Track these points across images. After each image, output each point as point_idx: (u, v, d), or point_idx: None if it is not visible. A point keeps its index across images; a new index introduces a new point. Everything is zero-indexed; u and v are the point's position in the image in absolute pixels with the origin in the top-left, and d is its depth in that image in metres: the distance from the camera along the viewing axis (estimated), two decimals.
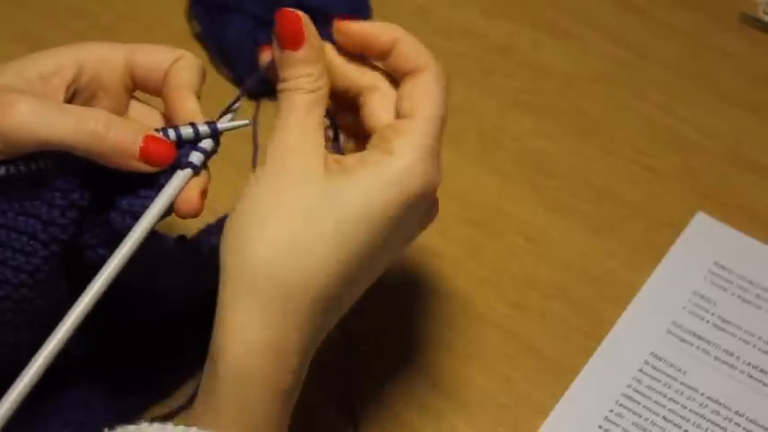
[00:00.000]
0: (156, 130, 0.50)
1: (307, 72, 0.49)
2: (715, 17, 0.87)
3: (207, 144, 0.51)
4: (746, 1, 0.87)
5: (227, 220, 0.48)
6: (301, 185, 0.46)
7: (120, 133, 0.48)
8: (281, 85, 0.50)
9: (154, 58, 0.52)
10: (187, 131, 0.50)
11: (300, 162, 0.47)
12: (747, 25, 0.87)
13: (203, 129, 0.51)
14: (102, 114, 0.48)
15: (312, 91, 0.49)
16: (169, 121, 0.52)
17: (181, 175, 0.50)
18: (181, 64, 0.52)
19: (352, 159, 0.48)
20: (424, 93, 0.49)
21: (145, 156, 0.49)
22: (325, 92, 0.50)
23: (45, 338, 0.46)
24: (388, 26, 0.52)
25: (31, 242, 0.49)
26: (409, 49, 0.51)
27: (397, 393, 0.66)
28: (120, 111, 0.54)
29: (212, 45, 0.82)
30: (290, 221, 0.46)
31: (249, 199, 0.47)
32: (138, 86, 0.53)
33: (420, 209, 0.50)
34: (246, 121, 0.53)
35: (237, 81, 0.80)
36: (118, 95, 0.53)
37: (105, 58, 0.52)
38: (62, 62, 0.50)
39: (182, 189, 0.49)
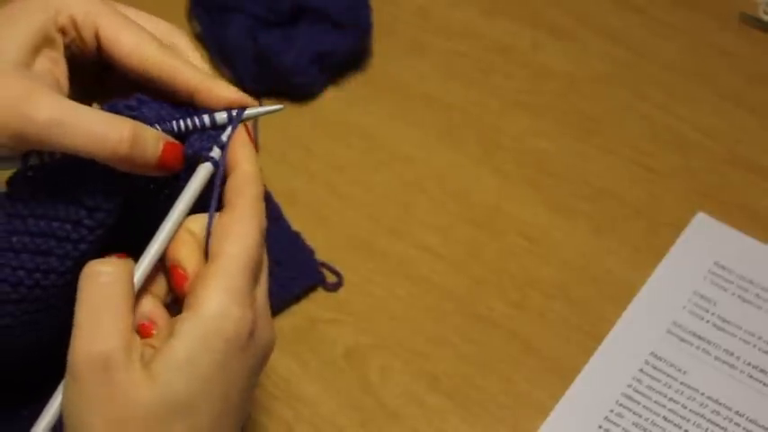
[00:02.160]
0: (190, 115, 0.50)
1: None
2: (715, 17, 0.87)
3: (226, 137, 0.50)
4: (746, 1, 0.87)
5: None
6: (133, 398, 0.43)
7: (142, 151, 0.47)
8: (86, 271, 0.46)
9: (122, 44, 0.50)
10: (222, 117, 0.50)
11: (124, 375, 0.43)
12: (747, 25, 0.87)
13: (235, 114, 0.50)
14: (126, 130, 0.46)
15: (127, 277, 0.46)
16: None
17: (206, 169, 0.49)
18: (176, 61, 0.51)
19: (163, 336, 0.46)
20: (229, 231, 0.47)
21: (161, 165, 0.48)
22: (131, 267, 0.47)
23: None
24: (245, 150, 0.50)
25: (78, 229, 0.48)
26: (239, 180, 0.49)
27: (397, 393, 0.66)
28: (96, 69, 0.52)
29: (212, 45, 0.82)
30: None
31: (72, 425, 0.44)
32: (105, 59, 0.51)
33: (243, 348, 0.46)
34: (281, 106, 0.53)
35: (237, 81, 0.80)
36: (94, 59, 0.51)
37: (79, 27, 0.50)
38: (47, 31, 0.48)
39: (206, 182, 0.49)
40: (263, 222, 0.49)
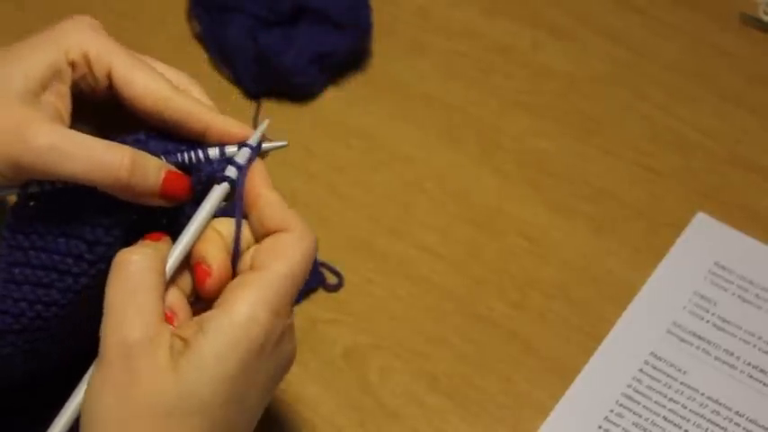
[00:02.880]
0: (196, 148, 0.50)
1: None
2: (715, 17, 0.87)
3: (242, 159, 0.50)
4: (746, 1, 0.87)
5: None
6: (153, 387, 0.44)
7: (142, 178, 0.47)
8: (119, 258, 0.46)
9: (133, 85, 0.50)
10: (231, 150, 0.50)
11: (148, 365, 0.44)
12: (747, 25, 0.87)
13: (245, 150, 0.50)
14: (126, 157, 0.46)
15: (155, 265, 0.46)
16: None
17: (219, 190, 0.49)
18: (187, 101, 0.51)
19: (191, 329, 0.46)
20: (280, 249, 0.48)
21: (163, 194, 0.48)
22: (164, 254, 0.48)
23: (87, 342, 0.46)
24: (265, 178, 0.50)
25: (79, 263, 0.48)
26: (277, 204, 0.49)
27: (396, 393, 0.66)
28: (108, 106, 0.52)
29: (212, 45, 0.82)
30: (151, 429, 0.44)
31: (96, 413, 0.44)
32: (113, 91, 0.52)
33: (268, 356, 0.47)
34: (285, 143, 0.53)
35: (237, 81, 0.80)
36: (104, 97, 0.52)
37: (91, 62, 0.50)
38: (56, 65, 0.49)
39: (219, 202, 0.49)
40: (314, 250, 0.49)
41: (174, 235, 0.49)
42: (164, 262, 0.47)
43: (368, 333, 0.68)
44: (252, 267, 0.48)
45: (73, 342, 0.51)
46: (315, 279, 0.70)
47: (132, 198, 0.47)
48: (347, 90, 0.82)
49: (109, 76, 0.50)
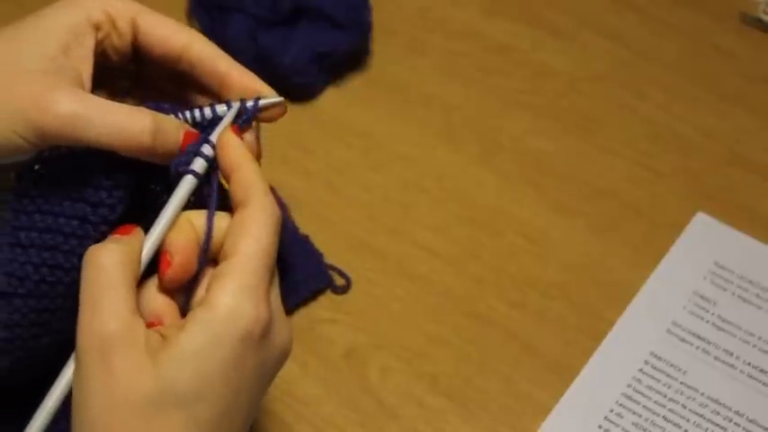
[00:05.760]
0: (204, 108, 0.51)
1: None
2: (715, 17, 0.87)
3: (208, 151, 0.50)
4: (746, 1, 0.87)
5: None
6: (129, 381, 0.43)
7: (164, 139, 0.47)
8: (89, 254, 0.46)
9: (159, 30, 0.52)
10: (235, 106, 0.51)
11: (123, 359, 0.44)
12: (747, 25, 0.87)
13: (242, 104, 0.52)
14: (147, 119, 0.47)
15: (126, 256, 0.46)
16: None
17: (188, 181, 0.49)
18: (210, 48, 0.52)
19: (174, 327, 0.45)
20: (245, 229, 0.47)
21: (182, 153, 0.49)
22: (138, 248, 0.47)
23: None
24: (239, 151, 0.50)
25: (84, 225, 0.48)
26: (244, 179, 0.49)
27: (396, 393, 0.66)
28: (127, 67, 0.53)
29: None
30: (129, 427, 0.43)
31: (81, 408, 0.44)
32: (139, 49, 0.53)
33: (256, 347, 0.46)
34: (281, 99, 0.55)
35: None
36: (126, 55, 0.53)
37: (115, 18, 0.51)
38: (78, 28, 0.49)
39: (188, 195, 0.49)
40: (278, 219, 0.48)
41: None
42: (134, 255, 0.46)
43: (368, 333, 0.68)
44: (225, 256, 0.47)
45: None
46: (322, 280, 0.70)
47: (152, 160, 0.48)
48: (347, 90, 0.82)
49: (133, 25, 0.51)
